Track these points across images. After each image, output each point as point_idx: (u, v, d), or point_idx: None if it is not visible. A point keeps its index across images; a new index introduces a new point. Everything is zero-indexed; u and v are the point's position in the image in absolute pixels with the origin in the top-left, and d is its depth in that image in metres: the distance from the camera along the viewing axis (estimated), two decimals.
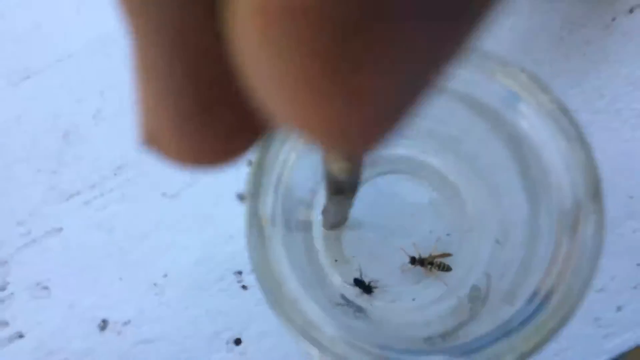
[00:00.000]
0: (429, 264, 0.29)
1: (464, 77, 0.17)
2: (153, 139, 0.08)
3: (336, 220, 0.25)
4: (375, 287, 0.29)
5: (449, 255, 0.29)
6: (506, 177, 0.20)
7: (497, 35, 0.30)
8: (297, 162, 0.18)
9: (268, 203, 0.18)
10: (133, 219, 0.30)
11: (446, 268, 0.29)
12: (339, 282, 0.28)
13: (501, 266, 0.24)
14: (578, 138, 0.16)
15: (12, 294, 0.30)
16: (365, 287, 0.28)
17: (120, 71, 0.31)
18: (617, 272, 0.29)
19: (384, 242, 0.30)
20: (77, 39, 0.32)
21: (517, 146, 0.18)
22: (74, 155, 0.31)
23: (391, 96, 0.06)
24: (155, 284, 0.29)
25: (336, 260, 0.29)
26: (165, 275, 0.30)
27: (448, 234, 0.30)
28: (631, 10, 0.31)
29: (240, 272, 0.30)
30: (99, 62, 0.31)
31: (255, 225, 0.17)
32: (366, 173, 0.31)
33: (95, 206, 0.30)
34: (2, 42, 0.32)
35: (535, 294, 0.17)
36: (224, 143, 0.08)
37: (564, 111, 0.16)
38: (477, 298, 0.25)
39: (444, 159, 0.29)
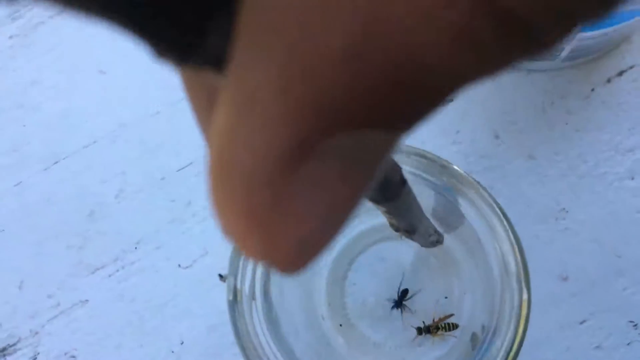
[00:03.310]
0: (436, 328, 0.31)
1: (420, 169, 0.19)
2: (229, 232, 0.08)
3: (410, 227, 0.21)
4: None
5: (451, 315, 0.31)
6: (478, 244, 0.22)
7: (485, 107, 0.33)
8: None
9: (246, 280, 0.20)
10: (152, 289, 0.33)
11: (454, 327, 0.30)
12: (343, 347, 0.30)
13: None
14: (507, 232, 0.18)
15: None
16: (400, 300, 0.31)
17: (138, 154, 0.35)
18: (611, 330, 0.31)
19: (385, 307, 0.32)
20: (101, 128, 0.35)
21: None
22: (98, 231, 0.34)
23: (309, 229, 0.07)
24: (172, 351, 0.32)
25: (341, 325, 0.31)
26: (182, 343, 0.32)
27: (446, 297, 0.31)
28: (609, 80, 0.33)
29: None
30: (120, 147, 0.35)
31: (235, 300, 0.19)
32: (366, 240, 0.33)
33: (117, 278, 0.33)
34: (36, 131, 0.36)
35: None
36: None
37: (489, 204, 0.18)
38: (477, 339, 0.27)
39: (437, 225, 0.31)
